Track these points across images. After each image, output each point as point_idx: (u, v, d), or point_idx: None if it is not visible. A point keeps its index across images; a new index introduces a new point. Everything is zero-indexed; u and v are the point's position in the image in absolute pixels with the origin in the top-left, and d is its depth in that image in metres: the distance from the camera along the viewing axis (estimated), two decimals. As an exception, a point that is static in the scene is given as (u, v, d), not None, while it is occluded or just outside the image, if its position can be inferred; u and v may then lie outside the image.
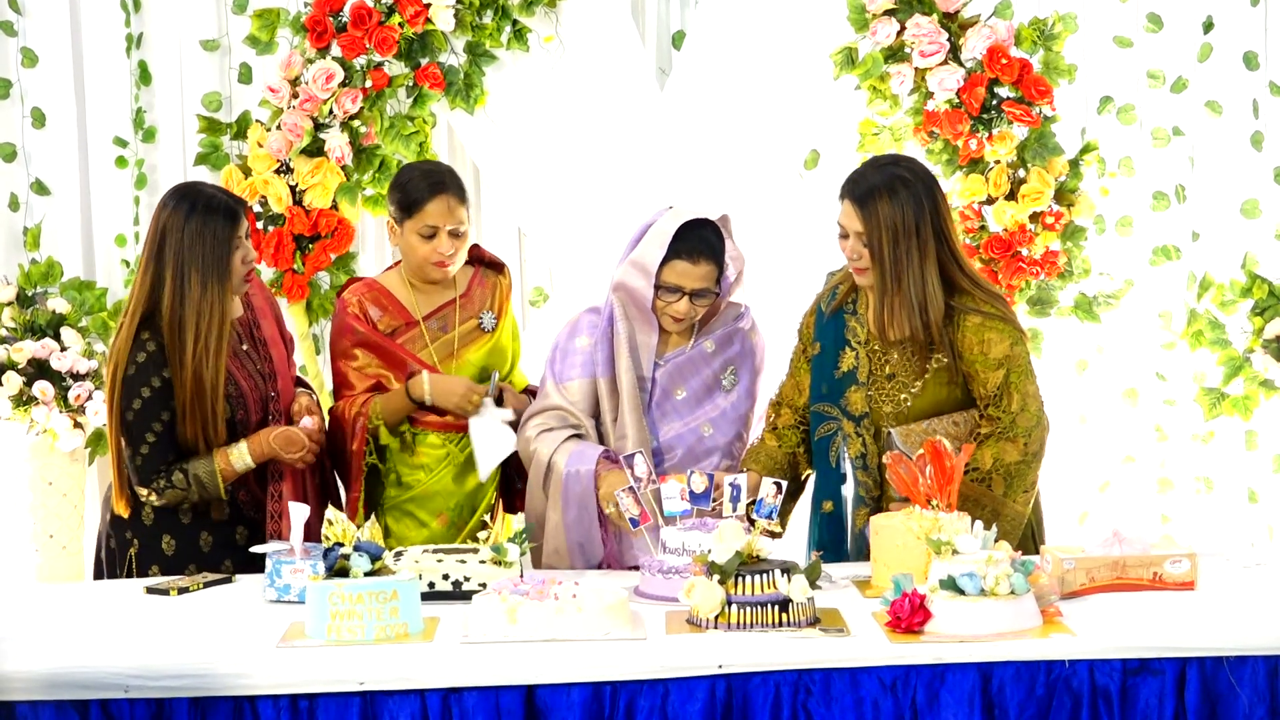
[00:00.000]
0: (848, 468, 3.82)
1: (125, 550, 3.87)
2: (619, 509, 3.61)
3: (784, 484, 3.54)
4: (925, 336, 3.73)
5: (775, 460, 3.91)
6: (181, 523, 3.86)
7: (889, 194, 3.69)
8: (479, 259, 4.28)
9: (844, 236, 3.78)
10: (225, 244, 3.77)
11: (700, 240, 3.90)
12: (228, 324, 3.79)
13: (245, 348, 3.94)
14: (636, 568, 3.68)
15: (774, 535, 3.37)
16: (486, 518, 3.56)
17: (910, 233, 3.68)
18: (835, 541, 3.81)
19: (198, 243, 3.75)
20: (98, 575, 3.96)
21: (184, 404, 3.76)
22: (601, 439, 4.01)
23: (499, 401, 4.10)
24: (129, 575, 3.84)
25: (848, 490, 3.82)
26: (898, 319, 3.71)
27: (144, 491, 3.80)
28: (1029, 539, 3.85)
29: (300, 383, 4.16)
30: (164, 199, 3.84)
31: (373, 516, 3.66)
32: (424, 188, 4.04)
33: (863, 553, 3.74)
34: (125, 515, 3.86)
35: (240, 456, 3.82)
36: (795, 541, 4.00)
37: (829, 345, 3.89)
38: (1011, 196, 4.80)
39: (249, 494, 3.93)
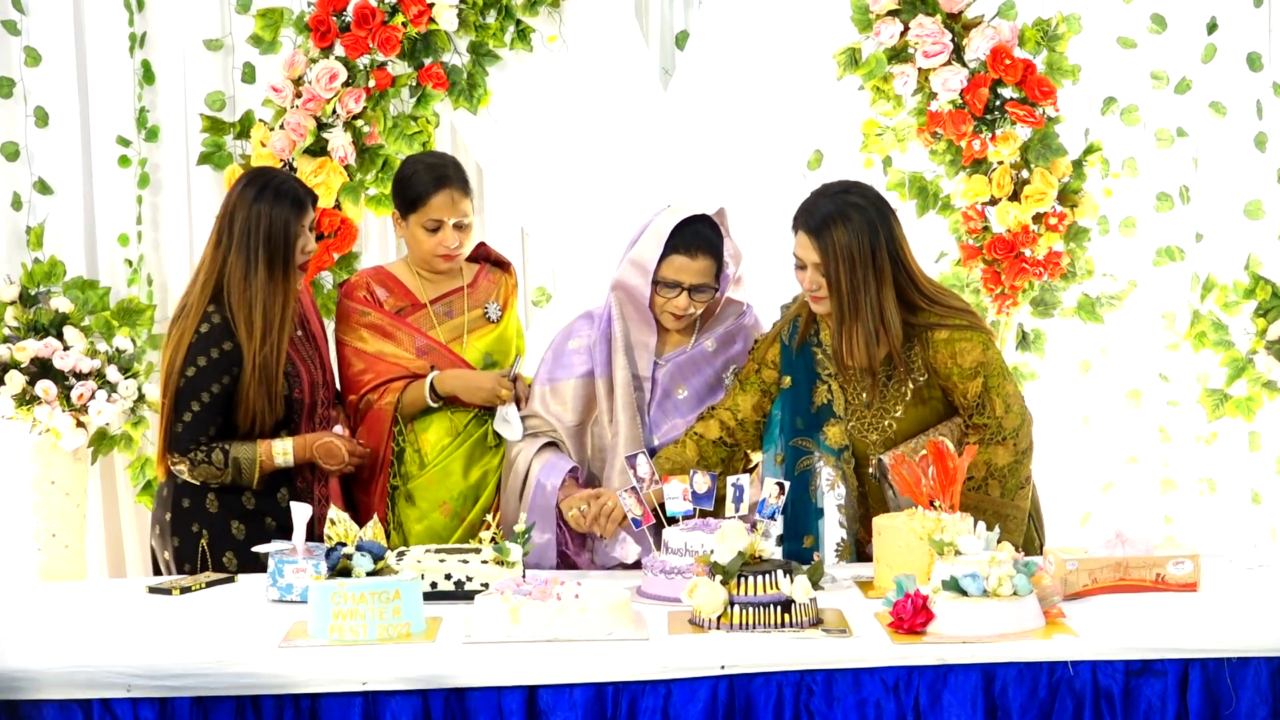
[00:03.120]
0: (826, 503, 3.81)
1: (194, 544, 3.91)
2: (580, 512, 3.75)
3: (787, 484, 3.54)
4: (888, 363, 3.71)
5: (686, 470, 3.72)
6: (246, 508, 3.93)
7: (843, 221, 3.66)
8: (485, 257, 4.34)
9: (801, 268, 3.75)
10: (289, 229, 3.89)
11: (697, 235, 3.90)
12: (291, 305, 3.91)
13: (300, 334, 4.04)
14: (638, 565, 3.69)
15: None
16: (488, 516, 3.56)
17: (866, 260, 3.65)
18: None
19: (262, 224, 3.87)
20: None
21: (249, 377, 3.85)
22: (599, 440, 4.02)
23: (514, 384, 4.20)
24: (204, 568, 3.90)
25: (826, 525, 3.81)
26: (856, 347, 3.69)
27: (174, 458, 3.87)
28: (1029, 530, 3.84)
29: None
30: (239, 179, 4.01)
31: (374, 518, 3.66)
32: (428, 181, 4.10)
33: None
34: (162, 478, 3.95)
35: (284, 453, 3.91)
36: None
37: (800, 379, 3.87)
38: (1015, 197, 4.79)
39: (304, 480, 4.01)
